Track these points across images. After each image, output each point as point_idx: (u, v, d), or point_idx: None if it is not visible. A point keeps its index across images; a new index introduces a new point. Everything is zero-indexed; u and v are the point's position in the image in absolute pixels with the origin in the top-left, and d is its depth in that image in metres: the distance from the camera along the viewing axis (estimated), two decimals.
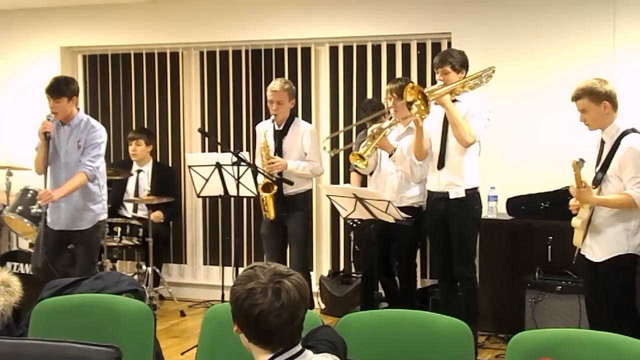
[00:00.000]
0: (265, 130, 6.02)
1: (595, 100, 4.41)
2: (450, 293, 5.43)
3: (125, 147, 7.36)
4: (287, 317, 2.28)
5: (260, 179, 5.85)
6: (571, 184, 4.43)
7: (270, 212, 5.91)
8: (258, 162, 6.05)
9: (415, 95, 4.97)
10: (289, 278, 2.31)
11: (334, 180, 7.02)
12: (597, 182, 4.41)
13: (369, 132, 5.50)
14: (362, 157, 5.34)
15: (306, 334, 2.51)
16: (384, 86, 6.62)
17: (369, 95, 6.85)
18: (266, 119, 7.25)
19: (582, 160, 4.34)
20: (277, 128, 6.03)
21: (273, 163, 5.88)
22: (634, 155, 4.31)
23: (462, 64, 5.23)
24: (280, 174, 5.95)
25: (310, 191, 6.19)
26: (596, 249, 4.47)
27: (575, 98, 4.46)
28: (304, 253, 6.08)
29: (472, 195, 5.26)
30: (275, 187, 5.85)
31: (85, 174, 5.53)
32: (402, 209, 5.26)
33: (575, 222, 4.52)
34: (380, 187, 5.68)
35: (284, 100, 5.95)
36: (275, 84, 5.98)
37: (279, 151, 5.98)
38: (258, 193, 5.81)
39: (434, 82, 6.58)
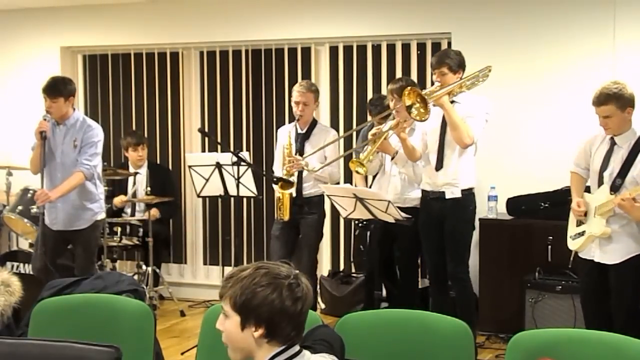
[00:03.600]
0: (288, 131, 5.98)
1: (622, 106, 4.38)
2: (442, 295, 5.43)
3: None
4: (307, 313, 2.32)
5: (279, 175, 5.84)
6: (621, 196, 4.32)
7: (285, 213, 5.86)
8: (277, 164, 6.05)
9: (414, 99, 4.96)
10: (301, 274, 2.35)
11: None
12: (616, 188, 4.39)
13: (369, 137, 5.50)
14: (361, 164, 5.34)
15: (304, 334, 2.50)
16: (384, 86, 6.63)
17: (369, 95, 6.84)
18: (266, 119, 7.29)
19: None
20: (299, 131, 5.99)
21: (293, 161, 5.85)
22: None
23: (459, 64, 5.22)
24: (299, 174, 5.91)
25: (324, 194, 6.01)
26: (610, 251, 4.45)
27: (600, 103, 4.40)
28: (314, 257, 6.05)
29: (468, 195, 5.25)
30: (294, 186, 5.82)
31: (83, 172, 5.52)
32: (405, 210, 5.26)
33: (606, 231, 4.41)
34: (384, 188, 5.68)
35: (310, 101, 5.92)
36: (302, 85, 5.95)
37: (300, 153, 5.92)
38: (262, 192, 5.75)
39: (434, 82, 6.60)
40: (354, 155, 5.82)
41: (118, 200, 6.99)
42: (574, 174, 4.73)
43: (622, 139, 4.44)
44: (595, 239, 4.48)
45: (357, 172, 5.50)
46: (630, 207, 4.30)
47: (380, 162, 5.77)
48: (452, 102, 5.17)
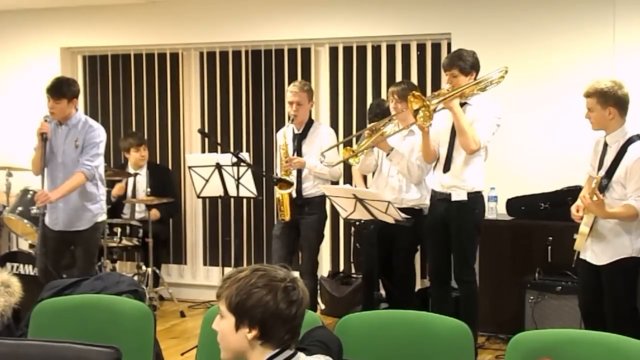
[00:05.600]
0: (284, 132, 5.99)
1: (603, 103, 4.39)
2: (443, 295, 5.42)
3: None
4: (302, 317, 2.32)
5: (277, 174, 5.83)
6: (582, 195, 4.40)
7: (286, 213, 5.85)
8: (278, 167, 6.03)
9: (421, 103, 4.93)
10: (298, 278, 2.36)
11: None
12: (602, 188, 4.39)
13: (366, 131, 5.49)
14: (355, 154, 5.32)
15: (302, 336, 2.50)
16: (384, 87, 6.63)
17: (369, 95, 6.85)
18: (266, 119, 7.29)
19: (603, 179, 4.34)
20: (296, 131, 5.99)
21: (291, 161, 5.85)
22: None
23: (472, 66, 5.11)
24: (299, 174, 5.90)
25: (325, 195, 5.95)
26: (599, 252, 4.45)
27: (586, 95, 4.46)
28: (314, 258, 6.04)
29: (475, 198, 5.23)
30: (293, 187, 5.81)
31: (84, 173, 5.51)
32: (402, 211, 5.25)
33: (584, 229, 4.46)
34: (381, 188, 5.67)
35: (304, 101, 5.91)
36: (295, 85, 5.95)
37: (298, 154, 5.93)
38: (262, 193, 5.74)
39: (433, 83, 6.62)
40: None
41: (116, 189, 6.96)
42: (588, 175, 4.71)
43: (611, 139, 4.45)
44: (588, 238, 4.48)
45: (348, 162, 5.47)
46: (587, 204, 4.32)
47: (376, 162, 5.75)
48: (465, 103, 5.14)
